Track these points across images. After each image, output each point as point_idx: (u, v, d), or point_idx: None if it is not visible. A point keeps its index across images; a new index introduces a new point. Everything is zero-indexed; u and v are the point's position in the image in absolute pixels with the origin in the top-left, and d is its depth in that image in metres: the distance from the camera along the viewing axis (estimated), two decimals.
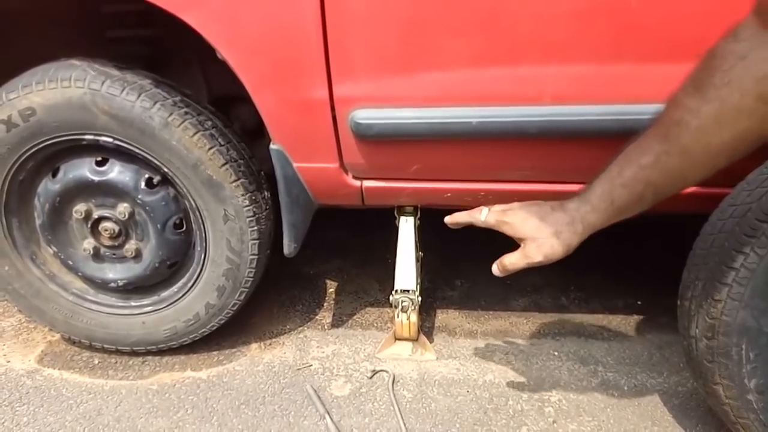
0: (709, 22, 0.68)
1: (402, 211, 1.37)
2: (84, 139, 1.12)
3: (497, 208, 0.90)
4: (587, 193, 0.80)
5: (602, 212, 0.78)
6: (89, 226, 1.23)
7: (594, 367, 1.34)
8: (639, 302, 1.57)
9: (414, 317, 1.33)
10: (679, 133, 0.68)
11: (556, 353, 1.39)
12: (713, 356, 0.94)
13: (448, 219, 0.97)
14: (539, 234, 0.83)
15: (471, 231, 1.90)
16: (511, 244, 0.90)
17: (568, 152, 1.04)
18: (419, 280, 1.35)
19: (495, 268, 0.91)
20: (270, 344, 1.43)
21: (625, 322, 1.50)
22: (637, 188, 0.74)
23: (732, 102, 0.63)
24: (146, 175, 1.18)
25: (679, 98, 0.69)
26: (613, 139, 0.98)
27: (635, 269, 1.68)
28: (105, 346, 1.37)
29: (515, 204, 0.89)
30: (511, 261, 0.87)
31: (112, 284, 1.29)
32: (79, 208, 1.20)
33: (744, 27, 0.63)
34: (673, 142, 0.69)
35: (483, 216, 0.90)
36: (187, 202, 1.20)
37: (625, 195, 0.75)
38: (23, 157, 1.14)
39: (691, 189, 1.05)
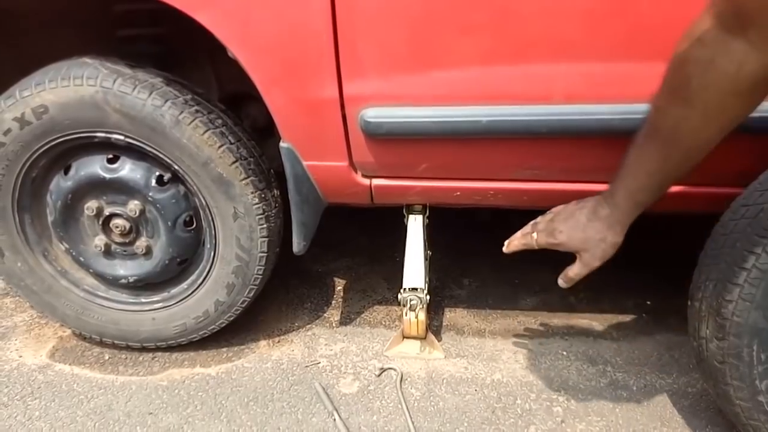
0: None
1: (411, 209, 1.37)
2: (96, 137, 1.13)
3: (541, 227, 1.02)
4: (613, 198, 0.90)
5: (632, 211, 0.89)
6: (100, 223, 1.24)
7: (603, 368, 1.33)
8: (648, 302, 1.57)
9: (422, 316, 1.33)
10: (676, 138, 0.77)
11: (564, 353, 1.38)
12: (724, 357, 0.94)
13: (506, 250, 1.09)
14: (588, 244, 0.94)
15: (479, 230, 1.90)
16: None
17: (578, 151, 1.04)
18: (427, 279, 1.35)
19: (561, 281, 1.02)
20: (278, 341, 1.44)
21: (634, 323, 1.50)
22: (654, 187, 0.85)
23: (714, 102, 0.71)
24: (157, 173, 1.18)
25: (664, 108, 0.77)
26: (623, 138, 0.98)
27: (645, 269, 1.67)
28: (115, 342, 1.38)
29: (556, 221, 0.99)
30: (575, 272, 0.99)
31: (123, 281, 1.30)
32: (91, 205, 1.21)
33: (706, 31, 0.68)
34: (672, 146, 0.79)
35: (535, 240, 1.03)
36: (197, 200, 1.21)
37: (646, 195, 0.87)
38: (36, 155, 1.15)
39: (702, 188, 1.06)
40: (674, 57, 0.73)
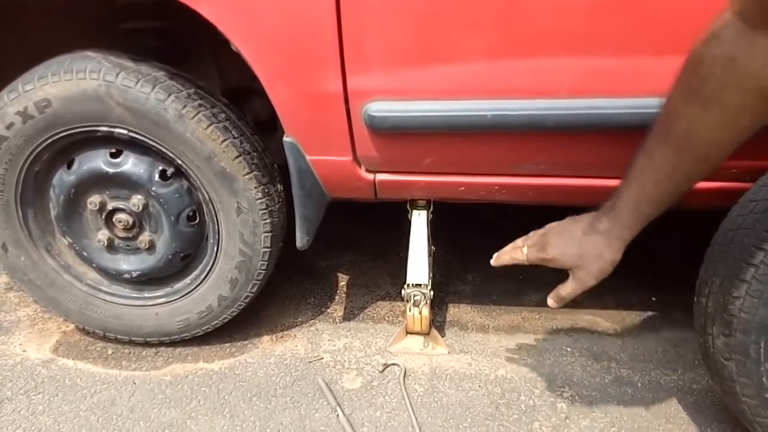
0: None
1: (415, 204, 1.36)
2: (99, 131, 1.12)
3: (533, 241, 0.95)
4: (614, 211, 0.83)
5: (635, 225, 0.82)
6: (103, 217, 1.24)
7: (607, 364, 1.33)
8: (654, 298, 1.56)
9: (426, 311, 1.33)
10: (689, 143, 0.71)
11: (569, 349, 1.38)
12: (731, 354, 0.93)
13: (493, 263, 1.03)
14: (583, 261, 0.87)
15: (484, 226, 1.90)
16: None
17: (584, 146, 1.03)
18: (431, 275, 1.35)
19: (551, 301, 0.96)
20: (282, 337, 1.44)
21: (639, 319, 1.49)
22: (662, 198, 0.78)
23: (734, 103, 0.65)
24: (160, 167, 1.18)
25: (678, 108, 0.71)
26: (630, 132, 0.97)
27: (650, 265, 1.66)
28: (119, 336, 1.38)
29: (549, 235, 0.92)
30: (567, 291, 0.92)
31: (126, 275, 1.29)
32: (94, 200, 1.21)
33: (725, 27, 0.63)
34: (685, 152, 0.72)
35: (525, 256, 0.96)
36: (200, 195, 1.21)
37: (652, 206, 0.79)
38: (39, 149, 1.15)
39: (710, 184, 1.04)
40: (690, 56, 0.68)
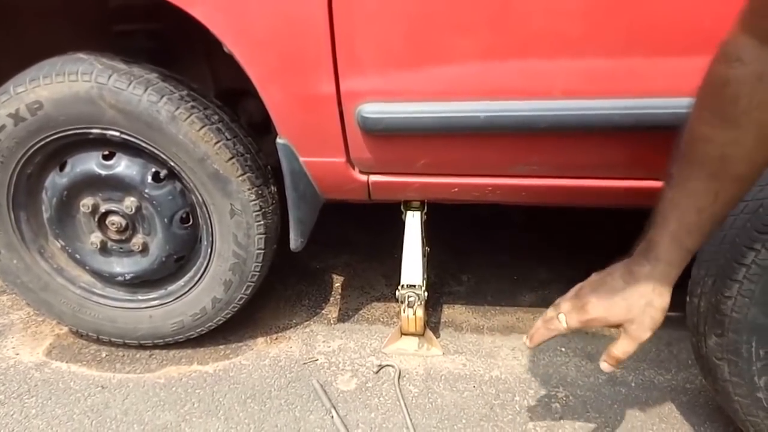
0: (721, 15, 0.66)
1: (408, 205, 1.36)
2: (91, 133, 1.12)
3: (568, 307, 0.86)
4: (654, 251, 0.77)
5: (680, 262, 0.77)
6: (96, 220, 1.24)
7: None
8: None
9: (420, 312, 1.33)
10: (727, 167, 0.69)
11: (563, 349, 1.38)
12: (722, 353, 0.94)
13: (530, 345, 0.92)
14: (632, 314, 0.80)
15: (478, 226, 1.90)
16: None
17: (577, 147, 1.03)
18: (425, 275, 1.35)
19: (604, 365, 0.86)
20: (276, 338, 1.44)
21: None
22: (705, 228, 0.74)
23: (767, 120, 0.64)
24: (153, 169, 1.18)
25: (707, 135, 0.69)
26: (623, 133, 0.98)
27: None
28: (112, 339, 1.38)
29: (583, 294, 0.85)
30: (622, 350, 0.83)
31: (120, 278, 1.29)
32: (87, 202, 1.21)
33: (743, 48, 0.63)
34: (723, 177, 0.70)
35: (564, 324, 0.86)
36: (193, 197, 1.20)
37: (695, 239, 0.75)
38: (31, 151, 1.15)
39: None
40: (711, 80, 0.67)
